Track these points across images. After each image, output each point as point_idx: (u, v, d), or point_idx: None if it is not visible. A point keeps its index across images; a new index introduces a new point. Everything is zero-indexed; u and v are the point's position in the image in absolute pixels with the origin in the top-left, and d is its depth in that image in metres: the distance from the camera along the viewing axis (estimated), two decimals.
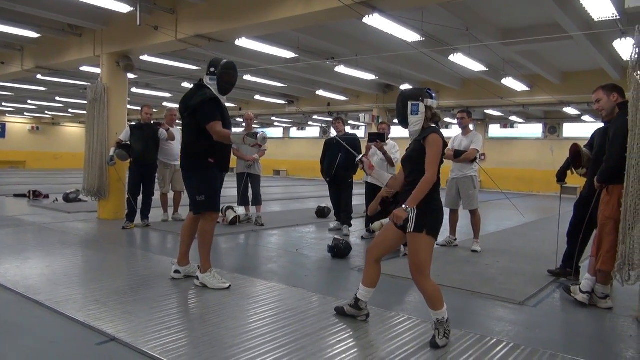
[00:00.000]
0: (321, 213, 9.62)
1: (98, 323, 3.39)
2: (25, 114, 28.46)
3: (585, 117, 17.87)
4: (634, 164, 3.60)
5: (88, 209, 9.46)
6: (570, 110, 16.61)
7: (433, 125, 3.31)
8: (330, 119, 21.51)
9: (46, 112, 26.95)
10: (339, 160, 7.48)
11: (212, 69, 4.39)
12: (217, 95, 4.39)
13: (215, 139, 4.28)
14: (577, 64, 12.50)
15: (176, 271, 4.65)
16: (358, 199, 8.44)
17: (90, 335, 3.24)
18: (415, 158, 3.25)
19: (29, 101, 21.70)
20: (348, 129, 8.12)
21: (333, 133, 7.88)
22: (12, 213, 9.15)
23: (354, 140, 7.63)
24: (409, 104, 3.27)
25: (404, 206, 3.11)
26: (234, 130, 4.26)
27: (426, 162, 3.14)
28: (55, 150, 30.18)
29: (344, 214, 7.74)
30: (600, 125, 4.63)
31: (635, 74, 3.66)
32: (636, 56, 3.65)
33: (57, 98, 20.06)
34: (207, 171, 4.43)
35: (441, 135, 3.23)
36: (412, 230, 3.15)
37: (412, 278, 3.26)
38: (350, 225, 7.71)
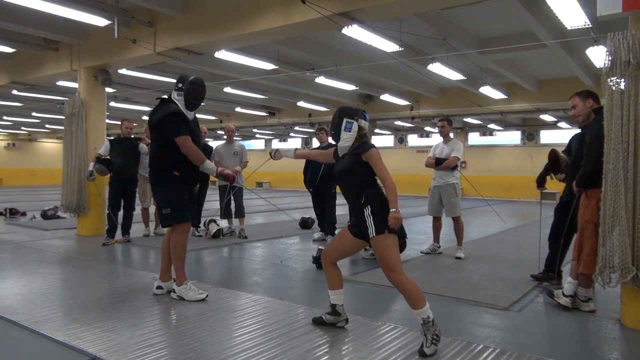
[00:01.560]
0: (305, 224, 9.59)
1: (78, 342, 3.30)
2: (0, 130, 27.90)
3: (562, 124, 18.24)
4: (611, 167, 3.68)
5: (67, 225, 9.28)
6: (546, 117, 16.94)
7: (366, 140, 3.52)
8: (312, 130, 21.57)
9: (22, 128, 26.47)
10: (322, 171, 7.50)
11: (180, 85, 4.43)
12: (184, 110, 4.41)
13: (182, 152, 4.29)
14: (552, 71, 12.78)
15: (158, 287, 4.58)
16: (341, 209, 8.43)
17: (71, 355, 3.15)
18: (354, 171, 3.44)
19: (4, 117, 21.29)
20: (330, 140, 8.12)
21: (315, 144, 7.92)
22: None
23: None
24: (344, 120, 3.48)
25: (392, 210, 3.20)
26: (208, 162, 4.44)
27: (380, 174, 3.37)
28: (32, 166, 29.61)
29: (327, 224, 7.73)
30: (577, 131, 4.72)
31: (608, 81, 3.75)
32: (609, 63, 3.74)
33: (34, 114, 19.72)
34: (172, 184, 4.42)
35: (376, 148, 3.47)
36: (374, 235, 3.26)
37: (388, 279, 3.33)
38: (334, 235, 7.69)
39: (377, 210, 3.27)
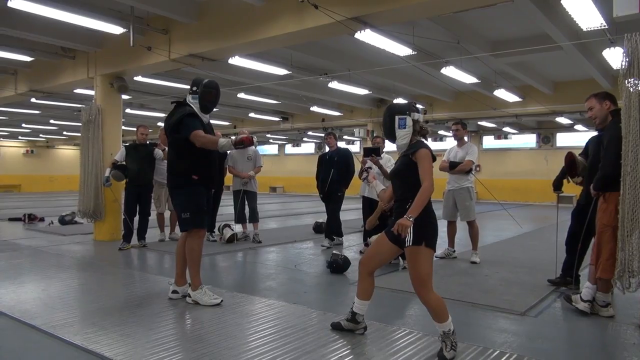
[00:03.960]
0: (319, 229, 9.57)
1: (96, 346, 3.34)
2: (19, 137, 28.43)
3: (578, 126, 18.01)
4: (629, 170, 3.62)
5: (84, 230, 9.40)
6: (562, 120, 16.75)
7: (420, 139, 3.36)
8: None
9: (40, 135, 26.93)
10: (331, 176, 7.48)
11: (194, 88, 4.47)
12: (199, 113, 4.45)
13: (198, 145, 4.27)
14: (567, 73, 12.64)
15: (174, 291, 4.62)
16: (355, 213, 8.42)
17: (88, 359, 3.19)
18: (404, 172, 3.31)
19: (23, 125, 21.68)
20: (342, 144, 8.13)
21: (327, 149, 7.94)
22: (7, 237, 9.06)
23: (346, 155, 7.66)
24: (396, 118, 3.33)
25: (406, 216, 3.05)
26: (222, 139, 4.29)
27: (421, 174, 3.17)
28: (50, 173, 30.10)
29: (327, 228, 7.75)
30: (594, 133, 4.66)
31: (625, 82, 3.69)
32: (626, 64, 3.69)
33: (52, 121, 20.07)
34: (191, 188, 4.44)
35: (429, 148, 3.28)
36: (410, 244, 3.14)
37: (415, 292, 3.24)
38: (341, 235, 7.72)
39: (419, 219, 3.09)
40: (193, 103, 4.46)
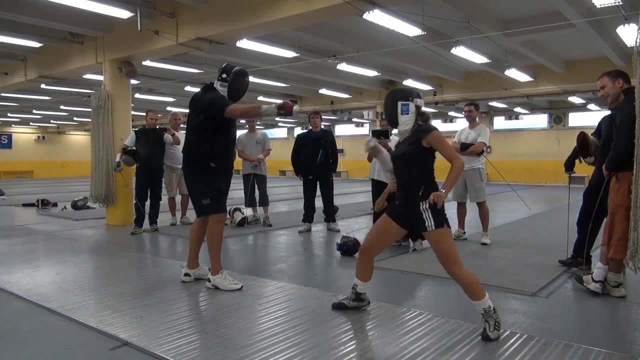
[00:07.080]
0: None
1: (110, 328, 3.41)
2: (30, 124, 28.65)
3: (591, 106, 17.73)
4: None
5: (96, 215, 9.52)
6: (575, 100, 16.50)
7: (422, 123, 3.41)
8: (335, 117, 21.49)
9: (51, 121, 27.11)
10: (320, 157, 7.30)
11: (224, 75, 4.39)
12: None
13: (238, 115, 4.26)
14: (580, 52, 12.41)
15: (186, 274, 4.67)
16: (364, 196, 8.42)
17: (103, 341, 3.25)
18: (414, 158, 3.35)
19: (34, 111, 21.82)
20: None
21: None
22: (21, 222, 9.21)
23: (332, 137, 7.66)
24: (399, 104, 3.38)
25: (443, 190, 3.18)
26: (264, 106, 4.12)
27: (446, 155, 3.27)
28: (61, 158, 30.38)
29: (329, 213, 7.71)
30: (606, 113, 4.59)
31: None
32: None
33: (62, 107, 20.16)
34: (208, 175, 4.42)
35: (437, 128, 3.37)
36: (433, 229, 3.23)
37: (448, 273, 3.30)
38: (334, 221, 7.71)
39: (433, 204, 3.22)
40: (222, 90, 4.39)
